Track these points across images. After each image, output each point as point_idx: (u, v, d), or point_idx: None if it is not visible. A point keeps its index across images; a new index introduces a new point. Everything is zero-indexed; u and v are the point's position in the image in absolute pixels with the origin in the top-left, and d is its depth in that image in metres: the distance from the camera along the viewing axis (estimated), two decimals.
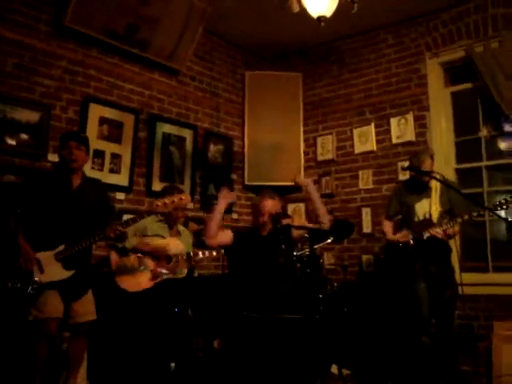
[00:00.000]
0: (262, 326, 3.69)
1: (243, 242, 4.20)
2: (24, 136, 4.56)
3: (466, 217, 4.33)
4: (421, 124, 5.92)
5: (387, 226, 4.91)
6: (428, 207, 4.61)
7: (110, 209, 4.19)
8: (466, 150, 5.79)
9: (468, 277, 4.73)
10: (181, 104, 6.09)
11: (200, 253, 4.67)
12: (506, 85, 5.22)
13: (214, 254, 4.69)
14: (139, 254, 4.47)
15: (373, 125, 6.29)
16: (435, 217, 4.56)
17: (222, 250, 4.62)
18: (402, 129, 6.05)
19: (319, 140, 6.79)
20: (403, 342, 4.87)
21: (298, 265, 5.02)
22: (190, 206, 5.19)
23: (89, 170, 4.69)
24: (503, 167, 5.55)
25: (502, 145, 5.62)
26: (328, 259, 6.37)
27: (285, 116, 6.80)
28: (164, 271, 4.47)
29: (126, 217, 5.06)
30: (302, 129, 6.86)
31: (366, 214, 6.21)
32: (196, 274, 5.09)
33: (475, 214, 4.28)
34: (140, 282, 4.38)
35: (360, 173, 6.35)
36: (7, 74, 4.53)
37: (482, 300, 5.24)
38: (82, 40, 5.08)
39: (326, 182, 6.61)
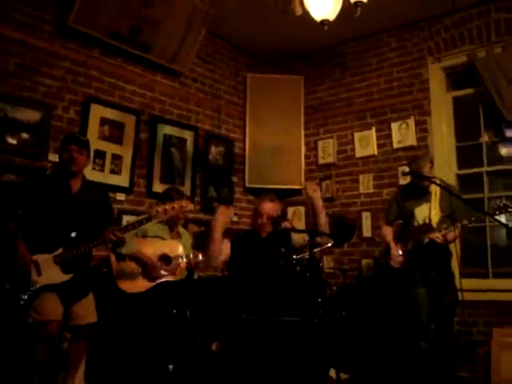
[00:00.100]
0: (260, 329, 3.68)
1: (241, 245, 4.18)
2: (25, 135, 4.55)
3: (465, 222, 4.33)
4: (422, 129, 5.92)
5: (387, 231, 4.89)
6: (428, 212, 4.60)
7: (109, 214, 4.17)
8: (467, 155, 5.78)
9: (468, 283, 4.73)
10: (182, 106, 6.09)
11: (200, 255, 4.66)
12: (508, 90, 5.22)
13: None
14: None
15: (374, 129, 6.28)
16: (435, 221, 4.55)
17: None
18: (403, 133, 6.04)
19: (320, 143, 6.78)
20: (402, 347, 4.86)
21: (298, 268, 5.01)
22: (191, 207, 5.16)
23: (90, 171, 4.68)
24: (504, 173, 5.55)
25: (503, 151, 5.61)
26: (327, 263, 6.37)
27: (286, 119, 6.80)
28: (163, 273, 4.46)
29: (125, 218, 5.09)
30: (303, 132, 6.86)
31: (366, 218, 6.20)
32: (196, 276, 5.08)
33: (474, 219, 4.28)
34: (139, 284, 4.38)
35: (361, 177, 6.34)
36: (9, 74, 4.53)
37: (482, 306, 5.23)
38: (85, 40, 5.09)
39: (327, 185, 6.60)
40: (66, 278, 3.70)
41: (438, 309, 4.48)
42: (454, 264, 4.60)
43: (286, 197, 6.85)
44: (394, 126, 6.11)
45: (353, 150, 6.47)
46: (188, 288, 4.70)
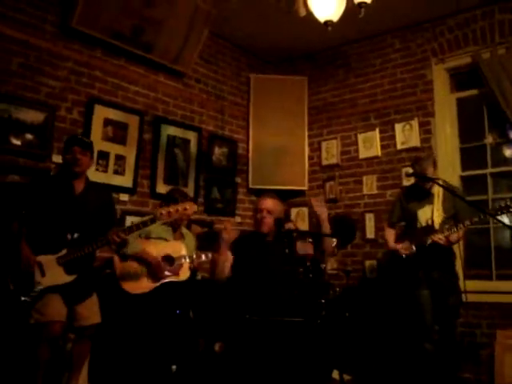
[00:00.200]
0: (263, 330, 3.67)
1: (244, 247, 4.18)
2: (29, 136, 4.56)
3: (467, 223, 4.32)
4: (426, 130, 5.91)
5: (389, 235, 4.88)
6: (430, 214, 4.59)
7: (112, 216, 4.17)
8: (471, 156, 5.77)
9: (471, 284, 4.73)
10: (185, 106, 6.09)
11: (203, 255, 4.67)
12: None
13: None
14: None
15: (377, 130, 6.28)
16: (437, 223, 4.54)
17: None
18: (406, 134, 6.03)
19: (324, 144, 6.77)
20: (405, 349, 4.85)
21: (301, 269, 5.00)
22: (195, 209, 5.18)
23: (93, 172, 4.68)
24: (508, 174, 5.53)
25: (508, 152, 5.60)
26: (331, 264, 6.35)
27: (289, 120, 6.79)
28: (167, 273, 4.46)
29: (129, 218, 5.09)
30: (306, 133, 6.85)
31: (370, 220, 6.20)
32: (199, 277, 5.08)
33: (475, 219, 4.27)
34: (143, 285, 4.38)
35: (364, 178, 6.33)
36: (12, 74, 4.54)
37: (485, 308, 5.22)
38: (88, 41, 5.09)
39: (330, 186, 6.60)
40: (69, 279, 3.70)
41: (441, 310, 4.47)
42: (458, 265, 4.59)
43: (289, 198, 6.85)
44: (398, 127, 6.10)
45: (356, 151, 6.46)
46: (191, 288, 4.70)
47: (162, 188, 5.58)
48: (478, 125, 5.73)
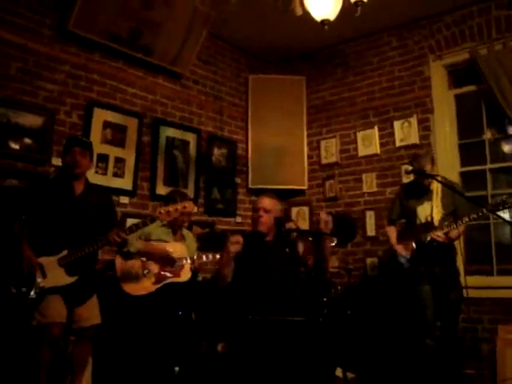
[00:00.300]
0: (266, 329, 3.68)
1: (243, 248, 4.19)
2: (28, 140, 4.57)
3: (465, 219, 4.32)
4: (425, 127, 5.91)
5: (391, 232, 4.89)
6: (430, 210, 4.59)
7: (112, 217, 4.18)
8: (470, 152, 5.78)
9: (472, 280, 4.74)
10: (184, 108, 6.10)
11: (204, 256, 4.67)
12: (509, 88, 5.21)
13: (218, 257, 4.68)
14: (143, 258, 4.47)
15: (376, 128, 6.28)
16: (436, 220, 4.54)
17: None
18: (405, 132, 6.04)
19: (323, 143, 6.78)
20: (407, 345, 4.85)
21: (302, 269, 5.01)
22: (195, 210, 5.19)
23: (93, 175, 4.70)
24: (507, 170, 5.54)
25: (506, 147, 5.61)
26: (332, 262, 6.35)
27: (288, 119, 6.80)
28: (168, 275, 4.47)
29: (129, 221, 5.09)
30: (305, 132, 6.86)
31: (370, 217, 6.20)
32: (200, 278, 5.08)
33: (473, 216, 4.27)
34: (144, 286, 4.39)
35: (364, 176, 6.34)
36: (11, 78, 4.55)
37: (487, 303, 5.23)
38: (85, 44, 5.10)
39: (330, 185, 6.60)
40: (70, 280, 3.71)
41: (443, 306, 4.48)
42: (459, 261, 4.60)
43: (289, 197, 6.87)
44: (397, 124, 6.11)
45: (355, 149, 6.47)
46: (193, 289, 4.71)
47: (161, 190, 5.59)
48: (476, 121, 5.73)
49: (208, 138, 6.32)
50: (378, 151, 6.24)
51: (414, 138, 5.94)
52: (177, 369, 4.37)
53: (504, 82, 5.25)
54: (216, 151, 6.40)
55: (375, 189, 6.23)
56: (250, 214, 6.57)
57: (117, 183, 5.22)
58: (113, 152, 5.23)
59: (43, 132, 4.66)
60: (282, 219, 4.23)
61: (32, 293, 3.58)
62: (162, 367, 4.29)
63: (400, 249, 4.67)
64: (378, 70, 6.39)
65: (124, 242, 3.95)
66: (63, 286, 3.69)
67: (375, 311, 5.35)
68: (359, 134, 6.44)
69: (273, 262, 4.04)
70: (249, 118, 6.84)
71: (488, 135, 5.68)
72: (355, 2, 3.82)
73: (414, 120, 5.97)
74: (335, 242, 5.39)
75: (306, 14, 4.11)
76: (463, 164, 5.78)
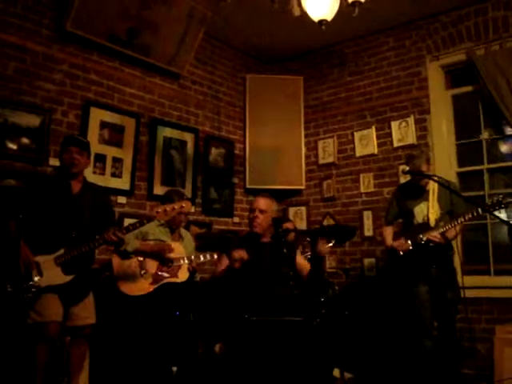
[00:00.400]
0: (263, 330, 3.68)
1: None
2: (25, 140, 4.56)
3: (461, 219, 4.33)
4: (422, 127, 5.92)
5: (387, 233, 4.88)
6: (426, 210, 4.60)
7: (110, 216, 4.17)
8: (467, 152, 5.79)
9: (470, 280, 4.74)
10: (182, 108, 6.09)
11: (201, 256, 4.67)
12: (506, 88, 5.22)
13: (216, 257, 4.68)
14: (140, 258, 4.46)
15: (374, 128, 6.29)
16: (432, 220, 4.55)
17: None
18: (403, 132, 6.04)
19: (320, 143, 6.79)
20: (405, 345, 4.86)
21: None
22: (192, 209, 5.18)
23: (90, 175, 4.70)
24: (505, 170, 5.55)
25: (503, 147, 5.62)
26: (329, 263, 6.36)
27: (286, 119, 6.80)
28: (165, 275, 4.46)
29: (127, 220, 5.09)
30: (303, 132, 6.86)
31: (368, 218, 6.21)
32: (198, 278, 5.08)
33: (469, 216, 4.27)
34: (141, 287, 4.38)
35: (361, 176, 6.34)
36: (8, 78, 4.54)
37: (484, 303, 5.24)
38: (83, 44, 5.09)
39: (328, 185, 6.61)
40: (66, 279, 3.71)
41: (440, 306, 4.48)
42: (456, 261, 4.61)
43: (287, 197, 6.88)
44: (394, 124, 6.12)
45: (353, 149, 6.47)
46: (190, 290, 4.70)
47: (159, 190, 5.58)
48: (473, 121, 5.74)
49: (205, 137, 6.32)
50: (376, 151, 6.24)
51: (412, 139, 5.94)
52: (174, 369, 4.37)
53: (501, 83, 5.26)
54: (213, 151, 6.40)
55: (373, 189, 6.23)
56: (247, 214, 6.56)
57: (114, 183, 5.22)
58: (110, 152, 5.23)
59: (40, 132, 4.66)
60: (280, 219, 4.23)
61: (28, 291, 3.57)
62: (160, 367, 4.28)
63: (396, 245, 4.67)
64: (376, 70, 6.39)
65: (121, 241, 3.94)
66: (59, 284, 3.68)
67: (373, 311, 5.36)
68: (357, 134, 6.44)
69: (268, 263, 4.04)
70: (246, 118, 6.84)
71: (485, 135, 5.69)
72: (352, 3, 3.83)
73: (411, 120, 5.98)
74: (333, 242, 5.41)
75: (304, 14, 4.12)
76: (460, 164, 5.78)
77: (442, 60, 5.87)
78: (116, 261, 4.45)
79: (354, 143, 6.46)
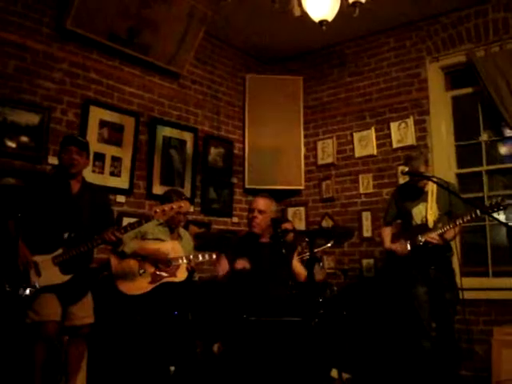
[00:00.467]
0: (261, 330, 3.68)
1: (239, 250, 4.20)
2: (24, 139, 4.56)
3: (459, 221, 4.32)
4: (421, 128, 5.92)
5: (385, 234, 4.88)
6: (424, 212, 4.59)
7: (108, 216, 4.16)
8: (466, 154, 5.79)
9: (468, 281, 4.74)
10: (181, 107, 6.09)
11: (200, 256, 4.66)
12: (506, 90, 5.22)
13: (214, 256, 4.68)
14: (138, 258, 4.46)
15: (373, 129, 6.29)
16: (431, 221, 4.54)
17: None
18: (402, 133, 6.04)
19: (320, 144, 6.78)
20: (403, 346, 4.86)
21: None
22: (191, 209, 5.19)
23: (89, 173, 4.69)
24: (503, 172, 5.56)
25: (503, 149, 5.62)
26: (328, 263, 6.36)
27: (285, 120, 6.80)
28: (164, 274, 4.46)
29: (126, 220, 5.09)
30: (302, 132, 6.85)
31: (366, 218, 6.21)
32: (196, 278, 5.08)
33: (468, 217, 4.27)
34: (140, 286, 4.38)
35: (360, 177, 6.34)
36: (8, 77, 4.53)
37: (482, 305, 5.24)
38: (83, 43, 5.09)
39: (327, 185, 6.60)
40: (65, 278, 3.70)
41: (438, 307, 4.48)
42: (455, 262, 4.60)
43: (286, 197, 6.88)
44: (394, 125, 6.12)
45: (352, 150, 6.47)
46: (189, 289, 4.70)
47: (158, 189, 5.58)
48: (473, 122, 5.75)
49: (205, 137, 6.31)
50: (375, 152, 6.24)
51: (411, 140, 5.94)
52: (172, 368, 4.36)
53: (501, 85, 5.26)
54: (213, 151, 6.40)
55: (372, 190, 6.23)
56: (246, 214, 6.56)
57: (113, 182, 5.21)
58: (109, 151, 5.22)
59: (39, 130, 4.65)
60: (278, 220, 4.24)
61: (27, 291, 3.56)
62: (158, 367, 4.28)
63: (395, 247, 4.66)
64: (376, 70, 6.39)
65: (119, 241, 3.94)
66: (57, 284, 3.67)
67: (371, 312, 5.35)
68: (356, 135, 6.44)
69: (267, 264, 4.05)
70: (246, 118, 6.84)
71: (484, 137, 5.69)
72: (353, 3, 3.83)
73: (410, 121, 5.98)
74: (331, 243, 5.43)
75: (304, 14, 4.11)
76: (460, 165, 5.79)
77: (442, 61, 5.88)
78: (114, 260, 4.44)
79: (353, 144, 6.46)
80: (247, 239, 4.25)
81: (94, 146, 4.95)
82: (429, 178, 4.42)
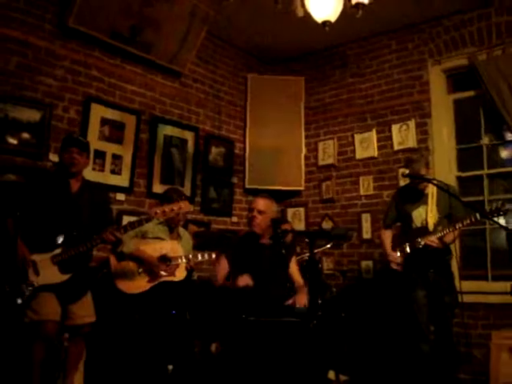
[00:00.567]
0: (259, 330, 3.68)
1: (239, 250, 4.20)
2: (25, 135, 4.56)
3: (459, 225, 4.31)
4: (423, 131, 5.92)
5: (385, 237, 4.86)
6: (425, 214, 4.59)
7: (108, 215, 4.15)
8: (467, 157, 5.79)
9: (467, 285, 4.73)
10: (183, 106, 6.08)
11: (199, 255, 4.66)
12: (508, 94, 5.22)
13: (214, 256, 4.68)
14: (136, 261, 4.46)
15: (374, 131, 6.28)
16: (431, 224, 4.53)
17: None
18: (403, 135, 6.04)
19: (320, 145, 6.78)
20: (402, 349, 4.85)
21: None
22: (191, 209, 5.18)
23: (90, 171, 4.68)
24: (504, 175, 5.55)
25: (504, 153, 5.62)
26: (327, 264, 6.36)
27: (286, 120, 6.79)
28: (163, 273, 4.45)
29: (125, 218, 5.09)
30: (303, 133, 6.85)
31: (366, 220, 6.20)
32: (195, 277, 5.07)
33: (467, 221, 4.26)
34: (139, 285, 4.37)
35: (361, 179, 6.33)
36: (10, 73, 4.53)
37: (481, 308, 5.24)
38: (85, 40, 5.09)
39: (327, 186, 6.60)
40: (64, 277, 3.69)
41: (437, 310, 4.47)
42: (454, 266, 4.60)
43: (286, 198, 6.87)
44: (395, 127, 6.11)
45: (353, 151, 6.46)
46: (187, 289, 4.69)
47: (158, 188, 5.58)
48: (474, 126, 5.75)
49: (206, 136, 6.31)
50: (376, 154, 6.24)
51: (412, 142, 5.94)
52: (170, 367, 4.36)
53: (503, 88, 5.25)
54: (213, 150, 6.39)
55: (372, 192, 6.23)
56: (246, 214, 6.56)
57: (114, 180, 5.21)
58: (110, 149, 5.22)
59: (41, 127, 4.65)
60: (278, 220, 4.24)
61: (24, 290, 3.56)
62: (156, 365, 4.28)
63: (392, 257, 4.66)
64: (377, 72, 6.39)
65: (119, 241, 3.93)
66: (56, 283, 3.67)
67: (369, 314, 5.35)
68: (357, 137, 6.44)
69: (266, 265, 4.05)
70: (247, 118, 6.84)
71: (486, 140, 5.68)
72: (356, 4, 3.81)
73: (412, 124, 5.97)
74: (331, 244, 5.43)
75: (307, 14, 4.11)
76: (460, 169, 5.78)
77: (444, 64, 5.87)
78: (114, 259, 4.44)
79: (354, 145, 6.46)
80: (247, 239, 4.25)
81: (95, 143, 4.96)
82: (429, 181, 4.42)
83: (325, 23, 3.96)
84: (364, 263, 6.15)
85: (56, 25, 4.88)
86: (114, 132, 5.27)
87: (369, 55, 6.48)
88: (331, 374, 4.78)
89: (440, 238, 4.39)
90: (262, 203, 4.18)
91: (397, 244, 4.73)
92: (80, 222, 3.81)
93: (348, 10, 3.93)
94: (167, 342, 4.37)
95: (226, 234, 6.14)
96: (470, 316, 5.17)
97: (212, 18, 5.73)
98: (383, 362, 5.01)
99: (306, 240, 5.17)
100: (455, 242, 4.58)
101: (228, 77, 6.74)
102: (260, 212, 4.14)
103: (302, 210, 6.84)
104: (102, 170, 5.13)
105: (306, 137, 6.87)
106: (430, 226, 4.52)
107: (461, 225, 4.30)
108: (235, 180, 6.67)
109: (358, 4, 3.81)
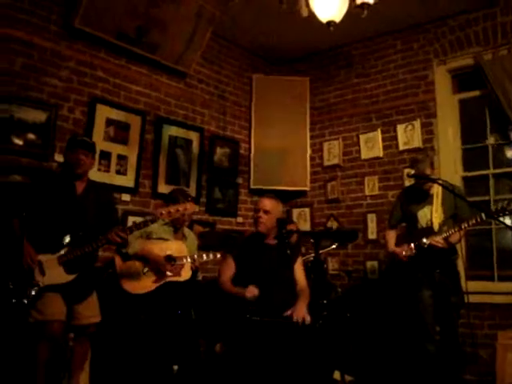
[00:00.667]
0: (264, 330, 3.68)
1: (244, 250, 4.20)
2: (31, 136, 4.57)
3: (464, 225, 4.30)
4: (428, 131, 5.91)
5: (390, 237, 4.86)
6: (430, 215, 4.58)
7: (113, 215, 4.16)
8: (473, 157, 5.77)
9: (473, 285, 4.72)
10: (188, 106, 6.09)
11: (204, 255, 4.66)
12: None
13: (219, 256, 4.68)
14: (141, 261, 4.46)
15: (379, 131, 6.27)
16: (436, 224, 4.52)
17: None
18: (408, 135, 6.03)
19: (326, 145, 6.77)
20: (407, 349, 4.84)
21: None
22: (196, 209, 5.19)
23: (95, 172, 4.69)
24: (510, 175, 5.53)
25: (509, 153, 5.61)
26: (332, 265, 6.36)
27: (291, 120, 6.79)
28: (168, 273, 4.46)
29: (131, 218, 5.09)
30: (308, 133, 6.85)
31: (372, 221, 6.19)
32: (200, 277, 5.08)
33: (473, 221, 4.24)
34: (144, 285, 4.38)
35: (366, 179, 6.33)
36: (16, 74, 4.54)
37: (487, 309, 5.22)
38: (91, 41, 5.09)
39: (332, 187, 6.59)
40: (69, 278, 3.70)
41: (443, 310, 4.46)
42: (460, 266, 4.59)
43: (291, 198, 6.87)
44: (400, 127, 6.10)
45: (358, 151, 6.46)
46: (193, 289, 4.70)
47: (163, 188, 5.58)
48: (480, 126, 5.73)
49: (211, 137, 6.31)
50: (381, 154, 6.23)
51: (417, 142, 5.93)
52: (176, 367, 4.37)
53: (508, 88, 5.24)
54: (218, 151, 6.40)
55: (377, 192, 6.22)
56: (251, 214, 6.56)
57: (119, 181, 5.22)
58: (115, 149, 5.23)
59: (46, 127, 4.66)
60: (284, 221, 4.24)
61: (30, 290, 3.56)
62: (161, 365, 4.28)
63: (398, 250, 4.65)
64: (382, 72, 6.38)
65: (124, 242, 3.94)
66: (62, 284, 3.68)
67: (375, 314, 5.34)
68: (362, 137, 6.43)
69: (272, 265, 4.05)
70: (252, 118, 6.84)
71: (491, 140, 5.67)
72: (361, 4, 3.81)
73: (417, 124, 5.97)
74: (336, 245, 5.42)
75: (312, 15, 4.10)
76: (466, 169, 5.77)
77: (450, 64, 5.86)
78: (119, 259, 4.45)
79: (359, 145, 6.45)
80: (253, 240, 4.25)
81: (100, 144, 4.96)
82: (434, 181, 4.41)
83: (329, 23, 3.96)
84: (369, 263, 6.14)
85: (61, 25, 4.88)
86: (119, 132, 5.28)
87: (374, 55, 6.48)
88: (336, 375, 4.78)
89: (445, 239, 4.38)
90: (267, 203, 4.18)
91: (402, 244, 4.72)
92: (85, 223, 3.81)
93: (353, 10, 3.93)
94: (172, 342, 4.37)
95: (231, 235, 6.14)
96: (476, 316, 5.16)
97: (217, 19, 5.73)
98: (389, 363, 5.00)
99: (312, 240, 5.16)
100: (461, 242, 4.57)
101: (233, 77, 6.74)
102: (266, 212, 4.14)
103: (307, 210, 6.84)
104: (108, 171, 5.14)
105: (311, 137, 6.87)
106: (435, 227, 4.51)
107: (466, 225, 4.28)
108: (240, 180, 6.67)
109: (363, 4, 3.81)
